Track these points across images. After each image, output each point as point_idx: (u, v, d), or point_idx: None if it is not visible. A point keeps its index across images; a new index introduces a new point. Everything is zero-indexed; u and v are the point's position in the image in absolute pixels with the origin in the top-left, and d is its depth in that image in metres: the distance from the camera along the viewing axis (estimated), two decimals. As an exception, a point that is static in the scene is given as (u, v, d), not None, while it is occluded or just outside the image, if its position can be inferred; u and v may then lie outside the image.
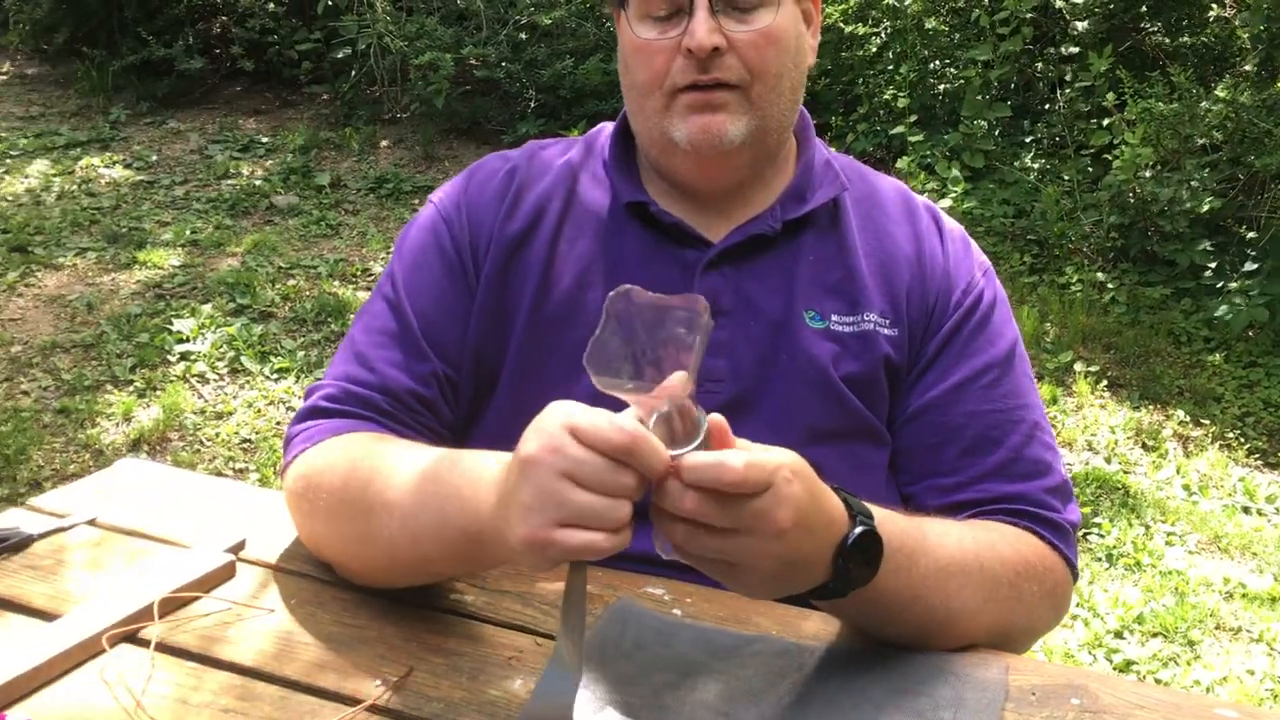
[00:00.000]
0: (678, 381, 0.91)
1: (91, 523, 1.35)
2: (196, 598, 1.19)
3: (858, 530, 1.00)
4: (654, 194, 1.36)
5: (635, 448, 0.88)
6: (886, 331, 1.33)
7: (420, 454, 1.15)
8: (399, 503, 1.10)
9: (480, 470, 1.02)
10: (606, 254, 1.34)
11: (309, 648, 1.13)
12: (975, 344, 1.34)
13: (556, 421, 0.91)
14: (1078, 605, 3.19)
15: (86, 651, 1.10)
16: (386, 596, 1.21)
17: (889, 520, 1.06)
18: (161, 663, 1.10)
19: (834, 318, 1.32)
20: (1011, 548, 1.22)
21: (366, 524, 1.14)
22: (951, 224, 1.43)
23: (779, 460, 0.93)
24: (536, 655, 1.12)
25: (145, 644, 1.12)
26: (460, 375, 1.34)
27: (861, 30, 6.47)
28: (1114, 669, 2.93)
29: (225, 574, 1.24)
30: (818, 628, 1.18)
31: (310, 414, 1.31)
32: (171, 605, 1.17)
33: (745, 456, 0.90)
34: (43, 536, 1.31)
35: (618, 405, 0.95)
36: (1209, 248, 5.19)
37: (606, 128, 1.43)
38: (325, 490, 1.19)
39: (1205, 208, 5.09)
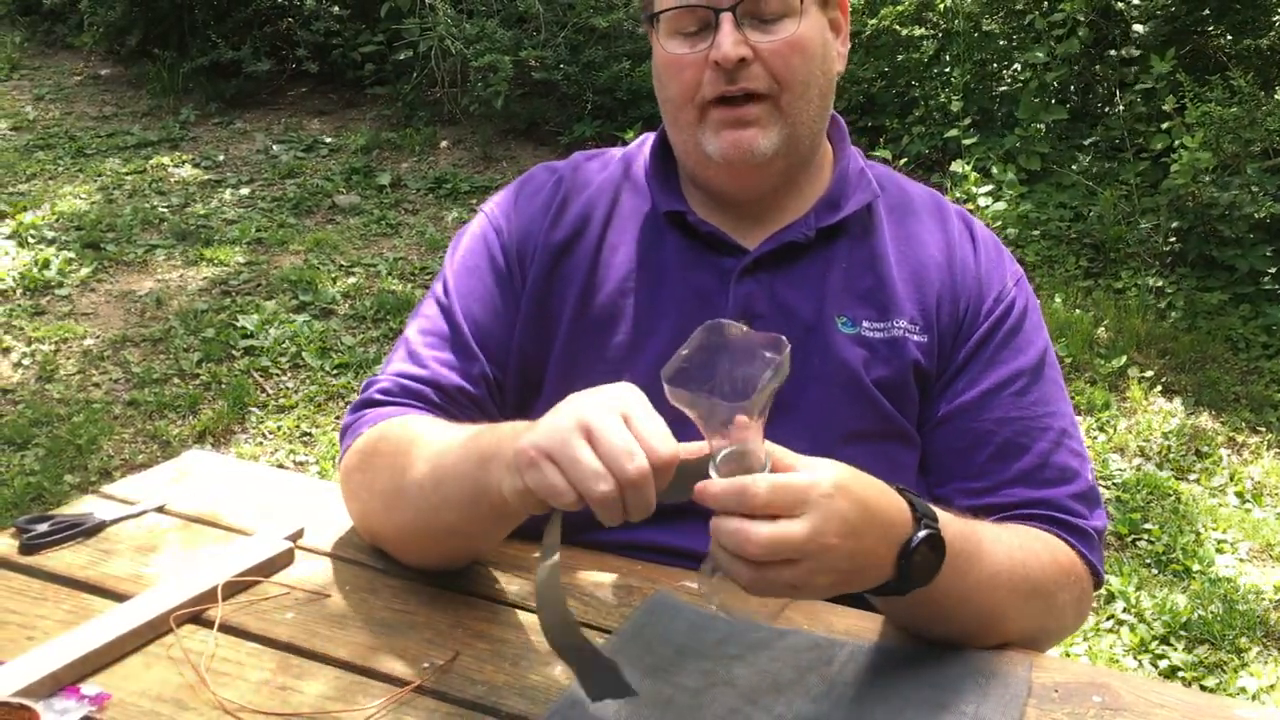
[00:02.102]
0: (747, 425, 0.95)
1: (160, 510, 1.41)
2: (257, 582, 1.25)
3: (922, 533, 1.04)
4: (692, 203, 1.39)
5: (670, 466, 0.96)
6: (916, 338, 1.35)
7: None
8: (434, 451, 1.18)
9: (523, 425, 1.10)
10: (646, 261, 1.38)
11: (361, 631, 1.18)
12: (1005, 352, 1.36)
13: (616, 400, 0.99)
14: (1124, 610, 3.18)
15: (155, 630, 1.15)
16: (435, 584, 1.26)
17: (951, 524, 1.09)
18: (224, 642, 1.15)
19: (865, 324, 1.35)
20: (1050, 555, 1.25)
21: (404, 477, 1.20)
22: (984, 231, 1.45)
23: (814, 478, 0.96)
24: (575, 643, 1.17)
25: (209, 624, 1.18)
26: (506, 376, 1.39)
27: (918, 32, 6.44)
28: (1159, 674, 2.92)
29: (284, 560, 1.30)
30: (849, 624, 1.21)
31: (365, 406, 1.37)
32: (234, 588, 1.23)
33: (770, 480, 0.94)
34: (115, 522, 1.37)
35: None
36: (1269, 253, 5.11)
37: (649, 139, 1.47)
38: (377, 456, 1.26)
39: (1264, 212, 5.01)
